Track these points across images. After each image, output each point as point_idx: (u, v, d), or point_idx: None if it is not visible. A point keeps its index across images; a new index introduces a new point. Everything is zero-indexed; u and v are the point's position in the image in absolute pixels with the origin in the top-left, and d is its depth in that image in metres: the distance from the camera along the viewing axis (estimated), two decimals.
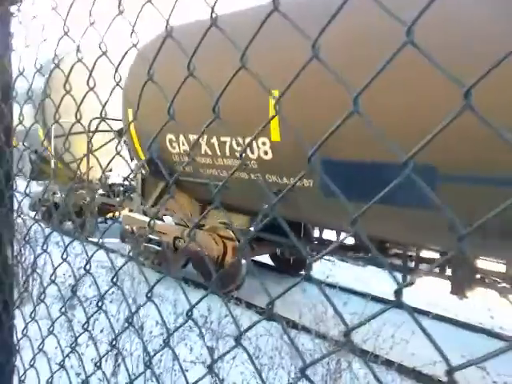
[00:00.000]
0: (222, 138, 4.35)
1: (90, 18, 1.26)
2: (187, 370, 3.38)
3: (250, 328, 0.86)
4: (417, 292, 5.78)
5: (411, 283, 0.66)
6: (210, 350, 3.31)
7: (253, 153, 4.11)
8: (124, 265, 1.12)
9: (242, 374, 3.46)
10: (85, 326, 1.33)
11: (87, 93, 1.29)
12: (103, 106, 1.12)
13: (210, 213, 4.71)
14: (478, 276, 3.84)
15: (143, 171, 5.61)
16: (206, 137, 4.44)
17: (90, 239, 6.03)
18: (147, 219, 5.43)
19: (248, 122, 3.63)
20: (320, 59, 0.69)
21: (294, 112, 3.44)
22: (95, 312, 1.32)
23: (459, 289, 3.74)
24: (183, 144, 4.79)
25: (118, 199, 7.04)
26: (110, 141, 7.24)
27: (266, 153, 3.94)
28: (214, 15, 0.81)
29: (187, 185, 5.07)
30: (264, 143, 3.89)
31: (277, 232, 4.62)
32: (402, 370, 3.66)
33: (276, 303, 0.76)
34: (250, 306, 4.53)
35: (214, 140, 4.43)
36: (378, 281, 5.93)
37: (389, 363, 3.65)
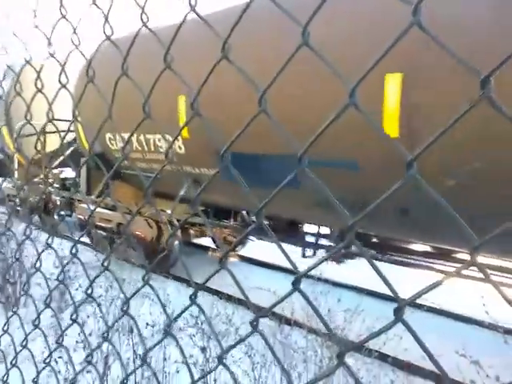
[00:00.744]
0: (147, 136, 5.10)
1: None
2: (178, 371, 3.32)
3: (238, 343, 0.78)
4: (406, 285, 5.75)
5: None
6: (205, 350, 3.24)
7: (171, 147, 4.85)
8: (100, 274, 1.04)
9: (234, 373, 3.41)
10: (73, 319, 1.25)
11: (59, 90, 1.21)
12: (50, 107, 1.08)
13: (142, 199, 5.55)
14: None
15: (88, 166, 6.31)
16: (135, 135, 5.18)
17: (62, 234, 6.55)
18: (98, 209, 6.23)
19: (164, 120, 4.24)
20: (310, 47, 0.61)
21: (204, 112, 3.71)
22: (82, 302, 1.26)
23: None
24: (120, 141, 5.53)
25: (67, 193, 7.76)
26: (63, 139, 7.46)
27: (180, 148, 4.67)
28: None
29: (129, 177, 5.75)
30: (177, 139, 4.63)
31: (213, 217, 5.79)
32: (395, 363, 3.64)
33: (266, 299, 0.71)
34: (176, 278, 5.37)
35: (142, 137, 5.18)
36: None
37: (382, 358, 3.63)
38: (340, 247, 0.62)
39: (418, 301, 5.10)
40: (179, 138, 4.50)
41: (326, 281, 5.19)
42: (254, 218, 5.92)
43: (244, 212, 6.37)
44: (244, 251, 7.26)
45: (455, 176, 2.83)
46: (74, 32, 1.13)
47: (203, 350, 3.35)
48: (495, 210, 2.67)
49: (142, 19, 0.89)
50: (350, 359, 3.32)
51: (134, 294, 0.99)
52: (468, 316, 5.02)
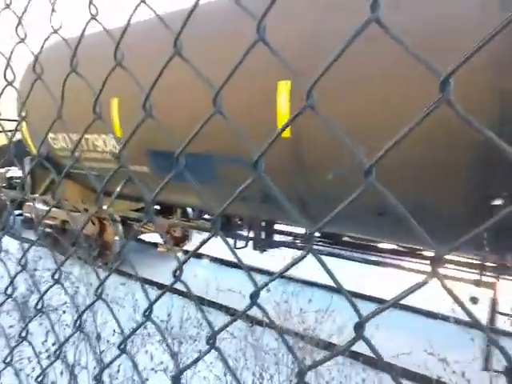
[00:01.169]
0: (86, 135, 5.17)
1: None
2: (147, 379, 3.22)
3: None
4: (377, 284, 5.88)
5: None
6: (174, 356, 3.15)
7: (106, 146, 5.20)
8: (50, 287, 0.96)
9: (206, 378, 3.33)
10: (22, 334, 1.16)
11: (5, 87, 1.12)
12: None
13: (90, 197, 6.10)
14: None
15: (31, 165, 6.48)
16: (75, 134, 5.24)
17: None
18: (43, 207, 6.44)
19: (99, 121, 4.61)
20: (266, 42, 0.57)
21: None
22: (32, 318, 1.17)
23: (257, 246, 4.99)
24: (63, 141, 5.79)
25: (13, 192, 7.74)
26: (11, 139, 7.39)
27: (115, 147, 5.06)
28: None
29: (75, 175, 5.88)
30: (112, 139, 5.00)
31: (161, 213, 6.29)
32: (366, 361, 3.67)
33: (239, 300, 0.66)
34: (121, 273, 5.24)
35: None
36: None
37: (354, 356, 3.66)
38: (303, 254, 0.59)
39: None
40: (112, 137, 4.91)
41: (297, 280, 5.20)
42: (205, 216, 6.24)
43: (189, 208, 6.67)
44: (215, 252, 7.20)
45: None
46: (20, 24, 1.05)
47: (173, 356, 3.25)
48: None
49: (90, 11, 0.83)
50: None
51: (85, 310, 0.92)
52: (436, 312, 5.14)
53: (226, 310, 4.64)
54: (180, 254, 7.17)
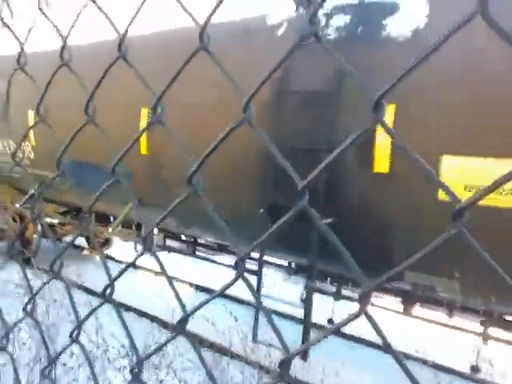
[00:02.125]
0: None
1: None
2: None
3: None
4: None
5: None
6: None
7: (23, 153, 5.92)
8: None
9: None
10: None
11: None
12: None
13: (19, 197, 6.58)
14: None
15: None
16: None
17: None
18: None
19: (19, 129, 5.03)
20: (208, 51, 0.54)
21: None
22: None
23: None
24: None
25: None
26: None
27: (30, 153, 5.65)
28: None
29: (4, 178, 6.32)
30: (28, 146, 5.64)
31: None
32: None
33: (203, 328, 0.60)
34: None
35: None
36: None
37: None
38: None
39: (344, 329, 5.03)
40: (29, 144, 5.60)
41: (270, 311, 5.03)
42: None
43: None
44: (183, 275, 7.02)
45: None
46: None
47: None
48: None
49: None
50: None
51: (14, 326, 0.84)
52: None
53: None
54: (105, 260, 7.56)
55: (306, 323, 3.69)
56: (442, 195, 2.52)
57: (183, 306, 0.58)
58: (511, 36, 0.36)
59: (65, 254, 0.82)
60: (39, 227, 6.75)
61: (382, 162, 2.77)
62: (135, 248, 6.77)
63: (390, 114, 2.68)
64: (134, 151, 3.95)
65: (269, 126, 3.22)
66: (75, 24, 0.76)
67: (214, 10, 0.52)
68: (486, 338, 3.82)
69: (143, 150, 4.04)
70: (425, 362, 4.05)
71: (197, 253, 7.10)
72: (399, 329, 4.64)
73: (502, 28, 0.36)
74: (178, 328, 0.57)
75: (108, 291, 0.65)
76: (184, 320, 0.58)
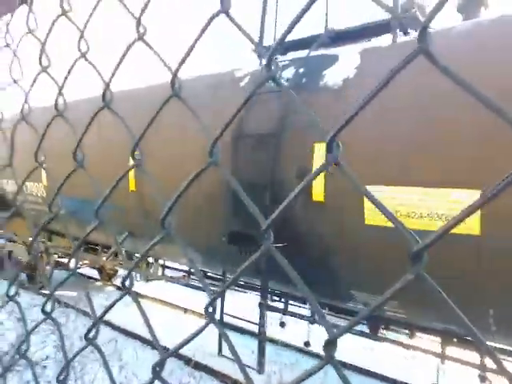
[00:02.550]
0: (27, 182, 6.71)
1: None
2: None
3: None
4: None
5: None
6: None
7: (38, 191, 6.57)
8: None
9: None
10: None
11: None
12: None
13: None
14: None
15: None
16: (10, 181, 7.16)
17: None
18: None
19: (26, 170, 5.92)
20: (180, 98, 0.56)
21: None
22: None
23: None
24: (11, 185, 7.42)
25: None
26: None
27: (43, 192, 6.35)
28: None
29: (24, 214, 7.18)
30: (41, 186, 6.36)
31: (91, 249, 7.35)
32: None
33: None
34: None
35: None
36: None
37: None
38: None
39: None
40: (41, 185, 6.26)
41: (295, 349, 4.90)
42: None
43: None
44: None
45: None
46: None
47: None
48: None
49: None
50: None
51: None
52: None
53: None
54: (112, 288, 8.33)
55: (261, 338, 4.00)
56: (367, 220, 2.82)
57: (162, 348, 0.57)
58: (455, 74, 0.35)
59: (77, 285, 0.88)
60: (52, 259, 7.36)
61: (318, 192, 3.06)
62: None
63: (323, 150, 2.89)
64: (124, 188, 4.35)
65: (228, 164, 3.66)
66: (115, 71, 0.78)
67: (183, 60, 0.54)
68: (444, 357, 3.88)
69: (132, 186, 4.50)
70: None
71: (191, 282, 8.19)
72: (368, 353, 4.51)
73: (446, 66, 0.36)
74: (155, 375, 0.56)
75: (92, 334, 0.65)
76: (160, 363, 0.56)
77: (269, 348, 4.10)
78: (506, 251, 2.34)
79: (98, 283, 8.57)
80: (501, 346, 3.57)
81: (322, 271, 3.27)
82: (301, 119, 3.16)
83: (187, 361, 4.52)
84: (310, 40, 3.94)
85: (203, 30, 0.54)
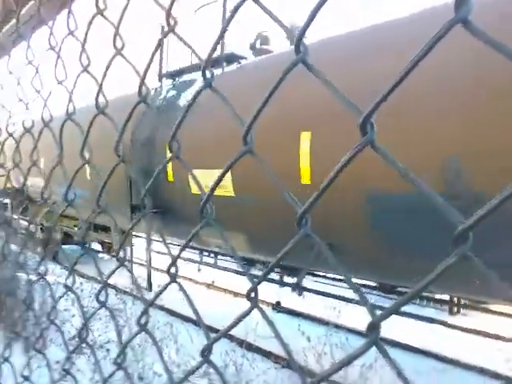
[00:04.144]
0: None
1: None
2: None
3: None
4: None
5: None
6: None
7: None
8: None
9: None
10: None
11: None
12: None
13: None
14: None
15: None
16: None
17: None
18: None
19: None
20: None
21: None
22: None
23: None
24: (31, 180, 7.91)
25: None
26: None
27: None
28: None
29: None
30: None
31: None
32: None
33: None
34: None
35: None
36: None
37: None
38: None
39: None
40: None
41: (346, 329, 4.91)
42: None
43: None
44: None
45: None
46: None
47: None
48: None
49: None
50: None
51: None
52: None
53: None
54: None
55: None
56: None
57: (207, 336, 0.59)
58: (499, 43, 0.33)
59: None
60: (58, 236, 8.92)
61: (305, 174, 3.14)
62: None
63: (306, 139, 3.08)
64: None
65: None
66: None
67: (214, 45, 0.54)
68: None
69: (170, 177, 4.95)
70: None
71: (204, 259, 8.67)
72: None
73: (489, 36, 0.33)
74: (204, 359, 0.58)
75: (143, 319, 0.68)
76: (207, 349, 0.58)
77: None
78: None
79: (101, 255, 10.39)
80: None
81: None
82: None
83: (240, 343, 4.65)
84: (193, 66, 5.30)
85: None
